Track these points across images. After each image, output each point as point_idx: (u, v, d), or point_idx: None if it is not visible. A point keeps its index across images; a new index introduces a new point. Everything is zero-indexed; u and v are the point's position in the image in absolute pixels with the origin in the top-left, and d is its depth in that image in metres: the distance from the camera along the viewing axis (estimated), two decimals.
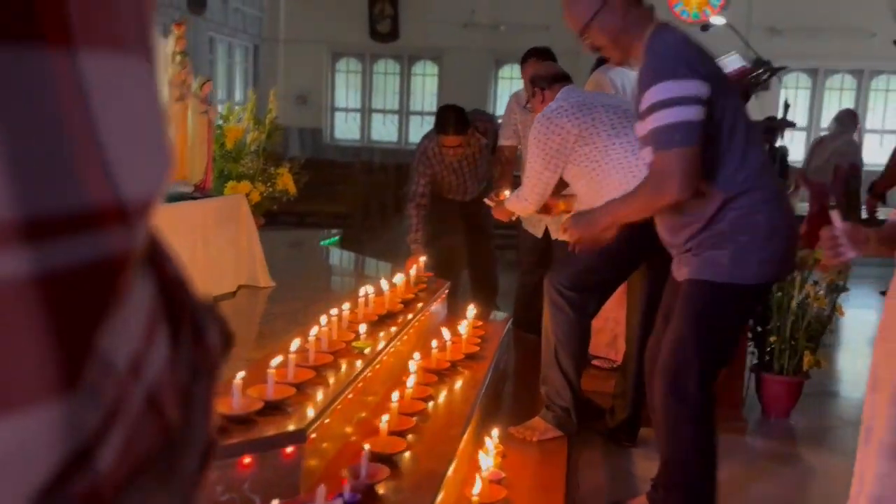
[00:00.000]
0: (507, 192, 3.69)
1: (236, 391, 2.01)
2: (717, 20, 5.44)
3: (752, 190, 2.26)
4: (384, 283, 3.34)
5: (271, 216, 9.45)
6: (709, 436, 2.38)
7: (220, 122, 3.85)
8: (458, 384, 3.05)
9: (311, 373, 2.34)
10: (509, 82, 13.54)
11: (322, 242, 5.42)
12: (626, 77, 3.90)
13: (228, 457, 1.88)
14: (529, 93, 3.43)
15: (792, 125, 3.90)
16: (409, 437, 2.44)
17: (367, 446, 2.13)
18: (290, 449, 1.98)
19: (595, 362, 4.21)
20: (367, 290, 3.14)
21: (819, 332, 3.86)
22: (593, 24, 2.30)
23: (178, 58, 3.21)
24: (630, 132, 3.02)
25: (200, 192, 3.40)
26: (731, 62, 3.57)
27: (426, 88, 14.16)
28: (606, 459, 3.35)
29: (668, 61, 2.18)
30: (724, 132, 2.22)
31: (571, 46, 4.27)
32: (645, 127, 2.23)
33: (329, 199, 9.57)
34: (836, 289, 3.78)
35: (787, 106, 3.80)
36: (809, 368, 3.86)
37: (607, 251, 2.87)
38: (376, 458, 2.20)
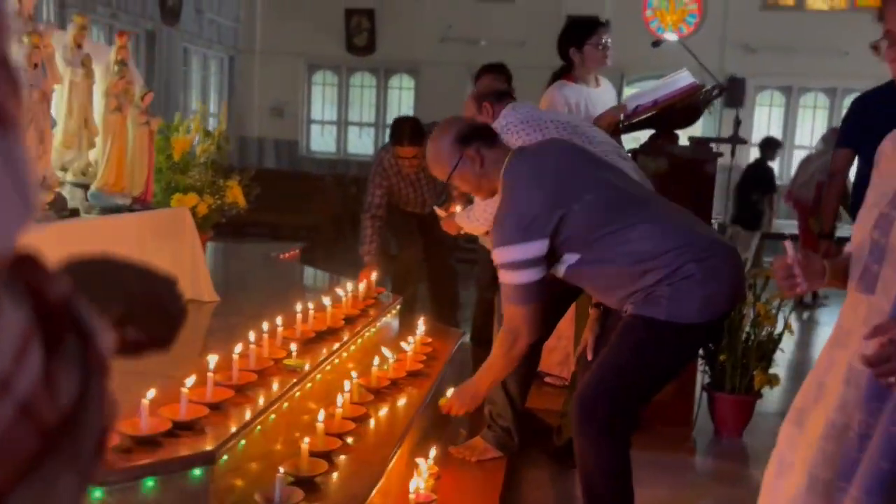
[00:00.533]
0: (458, 207, 3.65)
1: (144, 411, 1.94)
2: (670, 36, 5.44)
3: (661, 255, 2.30)
4: (326, 299, 3.28)
5: (239, 227, 9.42)
6: (617, 459, 2.37)
7: (165, 132, 3.79)
8: (398, 403, 2.99)
9: (229, 392, 2.27)
10: None
11: (282, 256, 5.35)
12: (582, 95, 3.85)
13: (130, 479, 1.81)
14: (473, 110, 3.37)
15: (742, 141, 3.87)
16: (337, 458, 2.38)
17: (281, 469, 2.06)
18: (197, 472, 1.91)
19: (547, 380, 4.17)
20: (307, 305, 3.08)
21: (770, 350, 3.84)
22: (454, 176, 2.54)
23: (116, 67, 3.15)
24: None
25: (140, 205, 3.33)
26: (682, 79, 3.55)
27: (403, 102, 14.14)
28: (551, 480, 3.30)
29: (513, 219, 2.40)
30: (605, 223, 2.36)
31: (546, 62, 4.25)
32: (500, 278, 2.50)
33: (302, 211, 9.51)
34: (805, 304, 3.75)
35: (738, 122, 3.78)
36: (761, 388, 3.83)
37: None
38: (296, 480, 2.14)
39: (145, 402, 1.94)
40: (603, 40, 3.80)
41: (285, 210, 9.57)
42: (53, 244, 2.55)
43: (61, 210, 2.85)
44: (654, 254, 2.31)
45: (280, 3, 13.94)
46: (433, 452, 2.75)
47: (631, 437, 2.40)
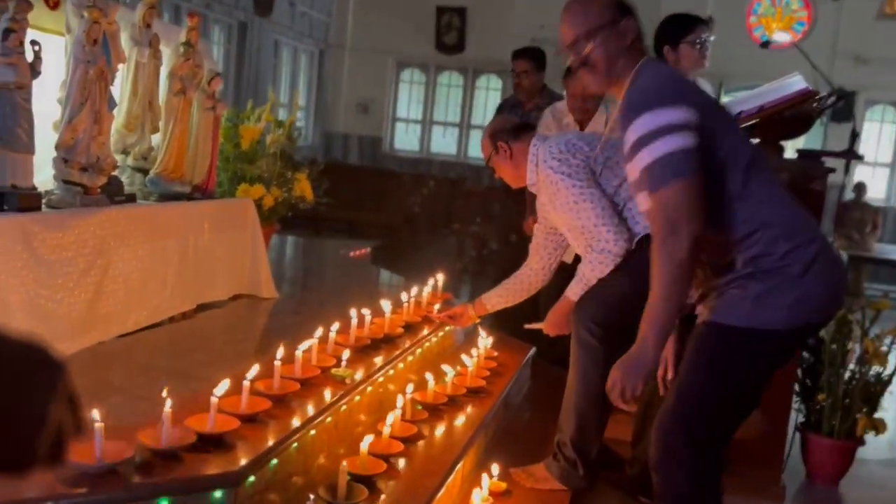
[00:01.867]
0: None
1: (165, 421, 1.76)
2: (782, 37, 4.99)
3: (768, 226, 1.91)
4: (385, 303, 3.06)
5: (316, 222, 9.37)
6: (701, 499, 2.03)
7: (234, 120, 3.67)
8: (455, 423, 2.74)
9: (266, 403, 2.07)
10: None
11: (352, 254, 5.18)
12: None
13: (143, 498, 1.63)
14: (488, 150, 2.99)
15: (858, 157, 3.45)
16: (380, 483, 2.15)
17: (312, 496, 1.85)
18: (218, 494, 1.72)
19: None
20: (361, 310, 2.87)
21: (878, 392, 3.41)
22: (598, 35, 2.02)
23: (181, 48, 3.01)
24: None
25: (201, 193, 3.19)
26: (793, 83, 3.18)
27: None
28: None
29: (651, 92, 1.90)
30: (724, 168, 1.90)
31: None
32: (636, 167, 1.89)
33: (379, 209, 9.39)
34: None
35: (854, 135, 3.38)
36: (864, 433, 3.41)
37: (645, 282, 2.57)
38: None
39: (167, 410, 1.76)
40: (702, 39, 3.45)
41: (363, 207, 9.48)
42: (104, 229, 2.42)
43: (116, 195, 2.73)
44: (763, 222, 1.89)
45: (372, 0, 13.92)
46: (496, 468, 2.50)
47: (720, 477, 2.06)
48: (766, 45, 4.37)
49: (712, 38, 3.47)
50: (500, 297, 3.17)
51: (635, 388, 1.92)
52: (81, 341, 2.39)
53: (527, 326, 3.15)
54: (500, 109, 4.95)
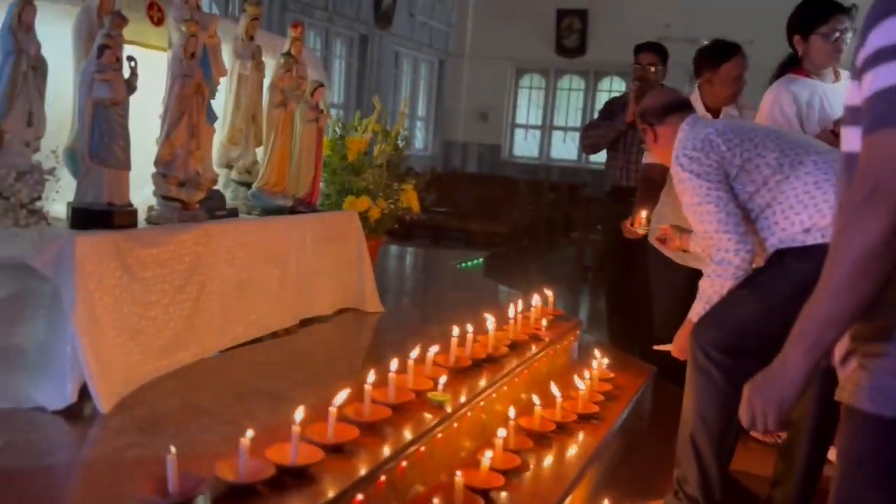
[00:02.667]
0: (643, 213, 3.44)
1: (243, 452, 1.65)
2: None
3: None
4: (490, 319, 2.88)
5: (434, 231, 9.31)
6: None
7: (338, 131, 3.60)
8: (564, 454, 2.52)
9: (354, 431, 1.94)
10: None
11: (461, 265, 5.04)
12: (816, 91, 3.15)
13: None
14: (636, 121, 2.88)
15: None
16: None
17: None
18: None
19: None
20: (465, 328, 2.70)
21: None
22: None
23: (283, 59, 2.96)
24: (808, 163, 2.40)
25: (304, 206, 3.13)
26: None
27: None
28: None
29: None
30: None
31: (778, 62, 3.59)
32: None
33: (496, 217, 9.23)
34: None
35: None
36: None
37: (773, 299, 2.28)
38: None
39: (245, 440, 1.65)
40: (838, 30, 3.07)
41: (481, 215, 9.35)
42: (200, 244, 2.38)
43: (217, 209, 2.70)
44: None
45: (492, 6, 13.82)
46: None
47: None
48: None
49: (851, 33, 3.09)
50: None
51: (766, 415, 1.36)
52: (178, 359, 2.35)
53: (656, 348, 2.88)
54: (608, 112, 4.60)
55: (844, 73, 3.22)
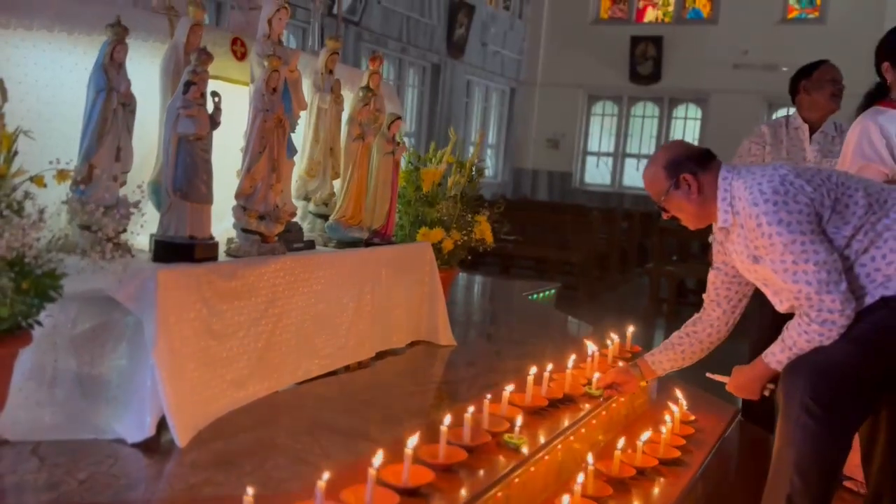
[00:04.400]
0: None
1: (319, 496, 1.62)
2: None
3: None
4: (570, 358, 2.80)
5: (504, 260, 9.23)
6: None
7: (414, 163, 3.60)
8: (645, 500, 2.41)
9: (430, 475, 1.89)
10: None
11: (532, 297, 4.96)
12: None
13: None
14: (663, 184, 2.35)
15: None
16: None
17: None
18: None
19: (847, 483, 3.27)
20: (544, 367, 2.63)
21: None
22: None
23: (361, 93, 2.98)
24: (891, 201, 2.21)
25: (379, 239, 3.13)
26: None
27: (686, 133, 13.21)
28: None
29: None
30: None
31: (865, 89, 3.44)
32: None
33: (568, 246, 9.10)
34: None
35: None
36: None
37: (881, 348, 2.10)
38: None
39: (321, 484, 1.62)
40: None
41: (551, 244, 9.24)
42: (277, 277, 2.39)
43: (295, 242, 2.71)
44: None
45: (564, 34, 13.80)
46: None
47: None
48: None
49: None
50: (669, 359, 2.66)
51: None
52: (253, 392, 2.35)
53: (709, 375, 2.69)
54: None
55: None
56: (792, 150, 3.84)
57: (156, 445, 1.97)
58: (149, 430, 1.96)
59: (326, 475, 1.64)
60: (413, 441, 1.90)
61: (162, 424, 1.99)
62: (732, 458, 3.28)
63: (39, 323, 1.83)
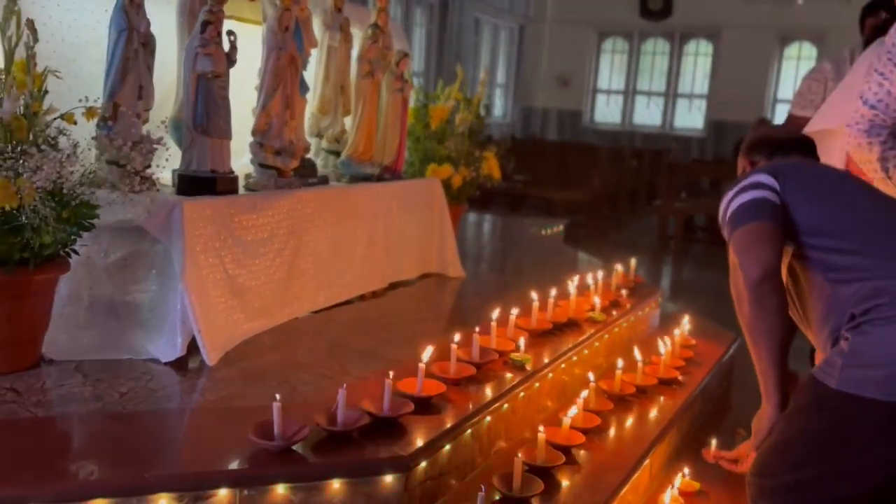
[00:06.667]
0: None
1: (341, 403, 1.77)
2: None
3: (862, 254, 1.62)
4: (571, 285, 2.93)
5: (514, 199, 9.31)
6: None
7: (421, 99, 3.68)
8: (644, 415, 2.57)
9: (441, 387, 2.04)
10: (795, 63, 12.05)
11: (542, 231, 5.08)
12: None
13: (316, 478, 1.66)
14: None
15: None
16: (558, 475, 2.06)
17: (494, 482, 1.79)
18: (389, 478, 1.71)
19: None
20: (547, 292, 2.77)
21: None
22: None
23: (370, 31, 3.05)
24: None
25: (390, 174, 3.24)
26: None
27: (697, 70, 13.09)
28: None
29: None
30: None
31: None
32: None
33: (578, 185, 9.17)
34: None
35: None
36: None
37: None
38: (503, 499, 1.86)
39: (342, 392, 1.77)
40: None
41: (561, 183, 9.31)
42: (296, 210, 2.51)
43: (309, 177, 2.82)
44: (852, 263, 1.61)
45: None
46: (687, 470, 2.32)
47: None
48: None
49: None
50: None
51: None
52: (276, 318, 2.50)
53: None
54: None
55: None
56: None
57: (187, 365, 2.13)
58: (180, 350, 2.11)
59: (346, 384, 1.79)
60: (427, 354, 2.05)
61: (191, 346, 2.15)
62: (732, 380, 3.43)
63: (76, 251, 1.98)
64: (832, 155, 2.90)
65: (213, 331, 2.18)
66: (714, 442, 2.31)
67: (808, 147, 2.03)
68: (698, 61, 13.13)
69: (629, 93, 13.63)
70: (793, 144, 2.02)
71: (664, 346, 2.96)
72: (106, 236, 2.15)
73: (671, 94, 13.32)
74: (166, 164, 2.26)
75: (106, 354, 2.10)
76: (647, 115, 13.54)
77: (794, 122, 3.96)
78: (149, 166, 2.19)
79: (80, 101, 2.07)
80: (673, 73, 13.21)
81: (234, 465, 1.62)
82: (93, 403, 1.82)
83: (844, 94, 3.06)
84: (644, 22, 13.19)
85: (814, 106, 3.85)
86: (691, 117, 13.16)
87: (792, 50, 12.17)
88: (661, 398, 2.71)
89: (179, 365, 2.11)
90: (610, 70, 13.81)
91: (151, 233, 2.13)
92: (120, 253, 2.19)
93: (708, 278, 6.84)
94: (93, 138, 2.14)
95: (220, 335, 2.22)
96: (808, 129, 3.06)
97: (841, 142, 2.96)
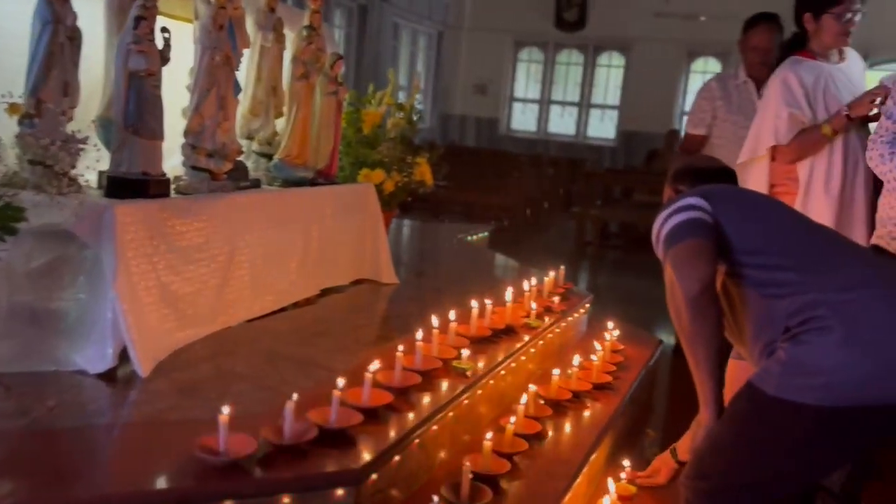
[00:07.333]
0: None
1: (288, 415, 1.72)
2: None
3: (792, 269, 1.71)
4: (508, 292, 2.95)
5: (434, 205, 9.34)
6: None
7: (355, 104, 3.64)
8: (580, 420, 2.61)
9: (388, 396, 2.01)
10: (702, 76, 12.56)
11: (467, 238, 5.10)
12: (822, 73, 3.07)
13: (266, 494, 1.60)
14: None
15: None
16: (503, 482, 2.06)
17: (443, 492, 1.77)
18: (340, 491, 1.67)
19: None
20: (483, 300, 2.77)
21: None
22: None
23: (305, 32, 2.99)
24: None
25: (324, 178, 3.18)
26: None
27: (610, 81, 13.47)
28: None
29: None
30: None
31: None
32: None
33: (496, 191, 9.26)
34: None
35: None
36: None
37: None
38: None
39: (290, 403, 1.72)
40: (850, 12, 3.06)
41: (480, 189, 9.38)
42: (230, 214, 2.43)
43: (241, 180, 2.74)
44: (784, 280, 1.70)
45: None
46: (627, 463, 2.36)
47: None
48: None
49: (860, 16, 3.10)
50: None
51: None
52: (211, 326, 2.41)
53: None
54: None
55: (850, 53, 3.22)
56: (743, 104, 3.90)
57: (116, 376, 2.02)
58: (111, 361, 2.00)
59: (295, 396, 1.74)
60: (374, 366, 2.01)
61: (122, 357, 2.04)
62: (664, 383, 3.53)
63: None
64: (748, 184, 3.05)
65: (146, 340, 2.08)
66: (627, 463, 2.38)
67: (729, 175, 2.14)
68: (611, 73, 13.52)
69: (545, 102, 13.90)
70: (715, 172, 2.12)
71: (595, 352, 3.01)
72: (29, 241, 2.02)
73: (585, 105, 13.66)
74: (96, 165, 2.15)
75: (27, 366, 1.97)
76: (562, 124, 13.84)
77: (691, 139, 4.13)
78: (75, 167, 2.08)
79: (1, 96, 1.95)
80: (586, 84, 13.55)
81: (175, 483, 1.55)
82: (18, 419, 1.70)
83: (764, 115, 3.18)
84: (559, 33, 13.48)
85: (704, 124, 4.04)
86: (604, 127, 13.53)
87: (698, 64, 12.70)
88: (596, 403, 2.76)
89: (110, 377, 2.00)
90: (526, 79, 14.05)
91: (80, 237, 2.01)
92: (44, 258, 2.06)
93: (625, 282, 7.04)
94: (16, 136, 2.01)
95: (152, 345, 2.12)
96: (741, 160, 3.18)
97: (757, 172, 3.13)
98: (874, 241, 2.54)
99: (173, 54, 2.39)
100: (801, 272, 1.71)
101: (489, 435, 2.08)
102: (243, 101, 2.95)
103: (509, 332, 2.79)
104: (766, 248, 1.79)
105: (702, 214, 1.80)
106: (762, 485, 1.71)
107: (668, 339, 3.89)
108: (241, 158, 2.90)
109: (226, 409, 1.61)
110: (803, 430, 1.63)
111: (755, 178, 3.15)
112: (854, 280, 1.68)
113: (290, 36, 3.11)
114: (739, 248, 1.78)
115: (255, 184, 2.86)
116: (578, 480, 2.23)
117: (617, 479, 2.36)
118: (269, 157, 3.06)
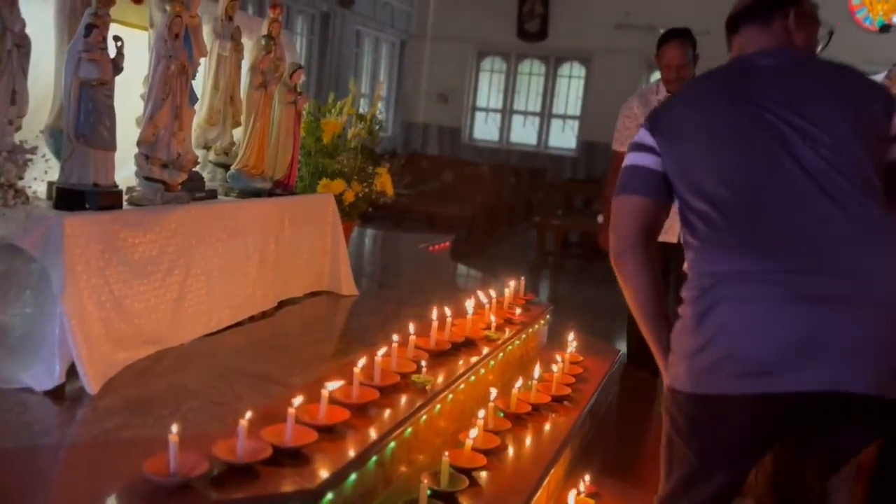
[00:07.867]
0: None
1: (241, 434, 1.68)
2: None
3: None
4: (469, 303, 2.94)
5: (395, 214, 9.30)
6: None
7: (314, 114, 3.60)
8: (540, 434, 2.60)
9: (345, 413, 1.98)
10: None
11: (432, 249, 5.08)
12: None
13: None
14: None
15: None
16: (462, 499, 2.04)
17: None
18: None
19: None
20: (443, 311, 2.76)
21: None
22: None
23: (263, 41, 2.95)
24: None
25: (282, 189, 3.14)
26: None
27: (571, 91, 13.59)
28: None
29: None
30: None
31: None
32: None
33: (458, 200, 9.27)
34: None
35: None
36: None
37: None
38: None
39: (244, 422, 1.68)
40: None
41: (442, 199, 9.38)
42: (185, 226, 2.38)
43: (196, 191, 2.69)
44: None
45: None
46: (587, 477, 2.36)
47: None
48: (885, 29, 4.01)
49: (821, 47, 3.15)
50: None
51: None
52: (167, 342, 2.35)
53: None
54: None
55: None
56: None
57: (64, 393, 1.96)
58: (58, 378, 1.94)
59: (249, 414, 1.71)
60: (333, 385, 1.98)
61: (71, 373, 1.98)
62: (617, 396, 3.54)
63: None
64: None
65: (95, 356, 2.02)
66: (587, 478, 2.38)
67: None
68: (572, 83, 13.64)
69: (507, 111, 13.97)
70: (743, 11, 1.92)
71: (555, 363, 3.02)
72: None
73: (546, 114, 13.75)
74: (45, 176, 2.09)
75: None
76: (524, 133, 13.91)
77: (619, 157, 4.14)
78: (22, 178, 2.01)
79: None
80: (548, 94, 13.66)
81: None
82: None
83: None
84: (521, 43, 13.57)
85: (630, 141, 4.05)
86: (565, 137, 13.63)
87: (658, 75, 12.88)
88: (554, 415, 2.75)
89: (57, 394, 1.94)
90: (489, 88, 14.10)
91: (27, 251, 1.95)
92: None
93: (585, 292, 7.08)
94: None
95: (103, 360, 2.06)
96: None
97: None
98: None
99: (128, 62, 2.34)
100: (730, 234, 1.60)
101: (447, 454, 2.06)
102: (200, 111, 2.90)
103: (469, 344, 2.78)
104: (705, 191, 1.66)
105: (643, 158, 1.78)
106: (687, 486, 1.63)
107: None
108: (197, 169, 2.86)
109: (174, 428, 1.57)
110: (693, 423, 1.57)
111: None
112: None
113: (249, 44, 3.07)
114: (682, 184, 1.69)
115: (212, 194, 2.81)
116: (538, 495, 2.22)
117: (578, 492, 2.37)
118: (227, 167, 3.01)
